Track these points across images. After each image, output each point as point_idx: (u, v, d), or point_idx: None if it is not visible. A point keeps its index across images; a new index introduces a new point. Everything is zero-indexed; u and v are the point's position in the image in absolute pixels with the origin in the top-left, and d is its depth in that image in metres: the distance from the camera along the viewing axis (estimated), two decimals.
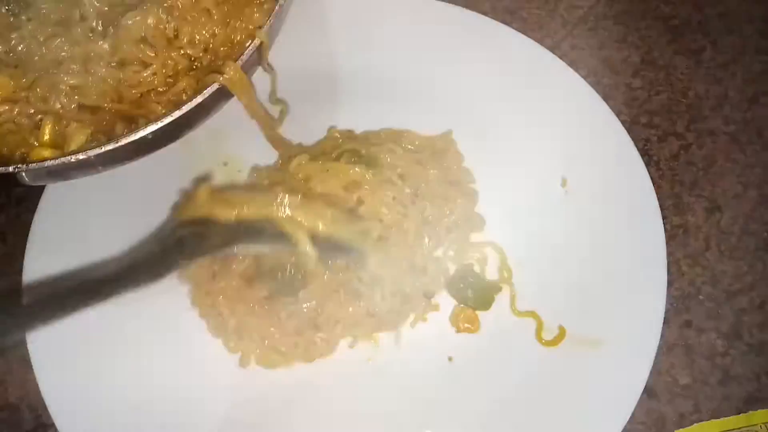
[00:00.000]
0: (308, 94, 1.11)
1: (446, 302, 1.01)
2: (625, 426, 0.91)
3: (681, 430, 0.94)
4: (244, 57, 0.89)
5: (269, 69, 0.99)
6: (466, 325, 0.99)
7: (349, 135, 1.07)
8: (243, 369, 0.99)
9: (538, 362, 0.96)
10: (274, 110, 1.10)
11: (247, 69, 0.91)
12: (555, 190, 1.06)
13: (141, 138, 0.82)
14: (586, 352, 0.95)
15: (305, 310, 0.95)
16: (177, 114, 0.83)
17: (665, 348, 0.98)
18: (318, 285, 0.94)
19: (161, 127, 0.83)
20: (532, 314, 0.99)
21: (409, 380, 0.97)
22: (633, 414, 0.92)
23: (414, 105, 1.12)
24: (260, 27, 0.91)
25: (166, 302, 1.01)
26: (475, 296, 1.00)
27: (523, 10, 1.24)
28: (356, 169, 0.97)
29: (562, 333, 0.97)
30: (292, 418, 0.96)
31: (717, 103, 1.15)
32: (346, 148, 1.01)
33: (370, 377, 0.98)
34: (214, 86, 0.86)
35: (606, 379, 0.93)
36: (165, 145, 0.90)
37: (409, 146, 1.07)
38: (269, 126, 1.04)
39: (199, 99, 0.85)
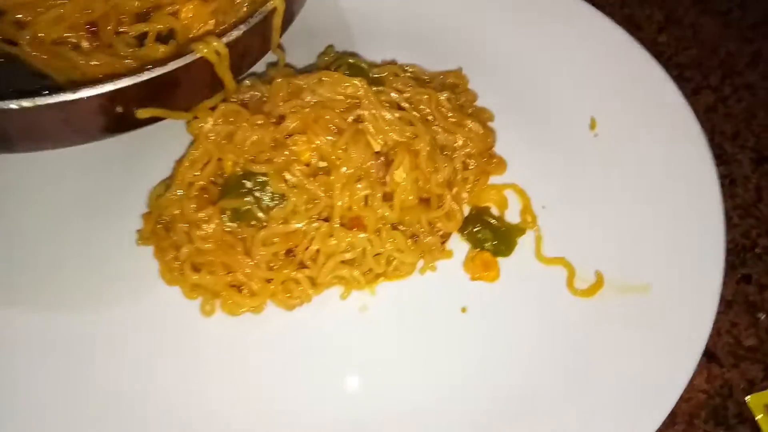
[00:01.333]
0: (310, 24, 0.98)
1: (459, 249, 0.84)
2: (683, 394, 0.73)
3: (753, 395, 0.75)
4: (251, 21, 0.78)
5: (279, 51, 0.88)
6: (483, 272, 0.81)
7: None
8: (205, 320, 0.79)
9: (572, 315, 0.78)
10: None
11: (254, 42, 0.81)
12: (583, 132, 0.92)
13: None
14: (631, 303, 0.77)
15: (278, 237, 0.77)
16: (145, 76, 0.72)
17: (723, 306, 0.81)
18: (299, 200, 0.76)
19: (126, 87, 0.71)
20: (561, 261, 0.82)
21: (413, 334, 0.78)
22: (692, 380, 0.74)
23: (421, 42, 0.99)
24: None
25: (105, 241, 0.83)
26: (495, 239, 0.83)
27: None
28: (355, 81, 0.82)
29: (599, 280, 0.80)
30: (263, 382, 0.75)
31: (751, 60, 1.04)
32: (346, 61, 0.86)
33: (363, 330, 0.78)
34: (192, 56, 0.74)
35: (657, 333, 0.75)
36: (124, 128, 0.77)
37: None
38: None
39: (170, 66, 0.73)
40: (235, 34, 0.77)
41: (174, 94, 0.77)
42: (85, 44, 0.81)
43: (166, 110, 0.77)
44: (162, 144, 0.89)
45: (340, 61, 0.87)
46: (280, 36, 0.84)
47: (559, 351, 0.76)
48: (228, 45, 0.76)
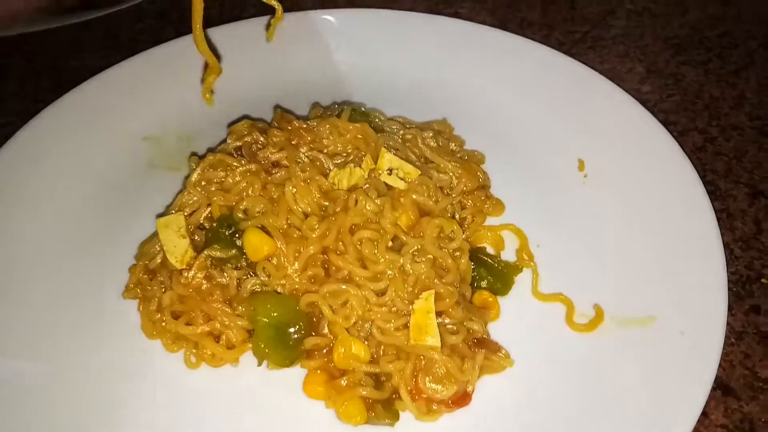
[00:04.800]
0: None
1: None
2: (702, 430, 0.68)
3: None
4: None
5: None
6: (482, 310, 0.78)
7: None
8: (190, 373, 0.76)
9: (576, 351, 0.74)
10: None
11: None
12: (572, 173, 0.92)
13: None
14: (635, 336, 0.74)
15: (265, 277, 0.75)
16: None
17: (733, 337, 0.78)
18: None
19: None
20: (558, 297, 0.79)
21: None
22: (707, 413, 0.70)
23: (406, 97, 1.02)
24: None
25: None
26: (492, 278, 0.80)
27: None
28: (358, 125, 0.84)
29: (599, 315, 0.77)
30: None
31: (736, 103, 1.06)
32: (347, 107, 0.88)
33: None
34: None
35: (664, 366, 0.71)
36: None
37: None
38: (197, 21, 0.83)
39: None
40: None
41: None
42: None
43: None
44: (151, 197, 0.90)
45: (342, 107, 0.89)
46: None
47: (564, 388, 0.72)
48: None
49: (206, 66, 0.88)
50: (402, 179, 0.79)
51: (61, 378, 0.74)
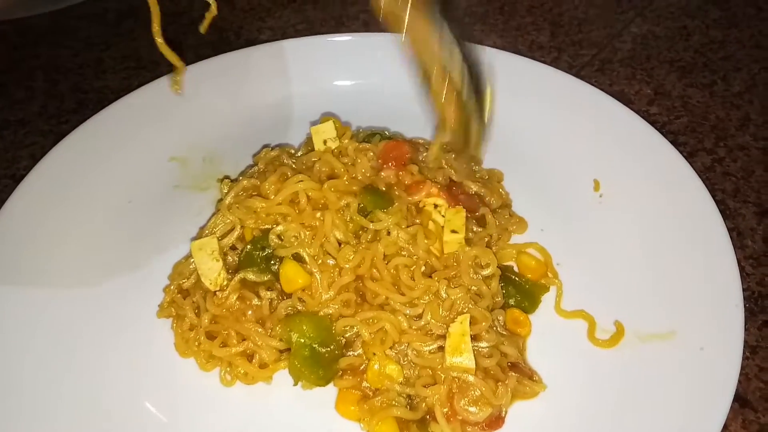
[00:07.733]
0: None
1: None
2: None
3: None
4: None
5: None
6: (515, 329, 0.81)
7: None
8: (224, 390, 0.78)
9: (601, 366, 0.77)
10: None
11: None
12: (588, 193, 0.95)
13: None
14: (658, 352, 0.77)
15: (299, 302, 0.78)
16: None
17: (748, 351, 0.81)
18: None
19: None
20: (580, 314, 0.82)
21: None
22: (726, 425, 0.73)
23: (418, 123, 1.04)
24: None
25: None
26: (520, 296, 0.83)
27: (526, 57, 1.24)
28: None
29: (620, 330, 0.80)
30: None
31: (741, 124, 1.10)
32: (376, 133, 0.91)
33: None
34: None
35: (686, 379, 0.74)
36: None
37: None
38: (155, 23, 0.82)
39: None
40: None
41: None
42: None
43: None
44: (178, 216, 0.93)
45: (365, 132, 0.92)
46: None
47: (588, 404, 0.74)
48: None
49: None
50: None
51: (94, 395, 0.77)
